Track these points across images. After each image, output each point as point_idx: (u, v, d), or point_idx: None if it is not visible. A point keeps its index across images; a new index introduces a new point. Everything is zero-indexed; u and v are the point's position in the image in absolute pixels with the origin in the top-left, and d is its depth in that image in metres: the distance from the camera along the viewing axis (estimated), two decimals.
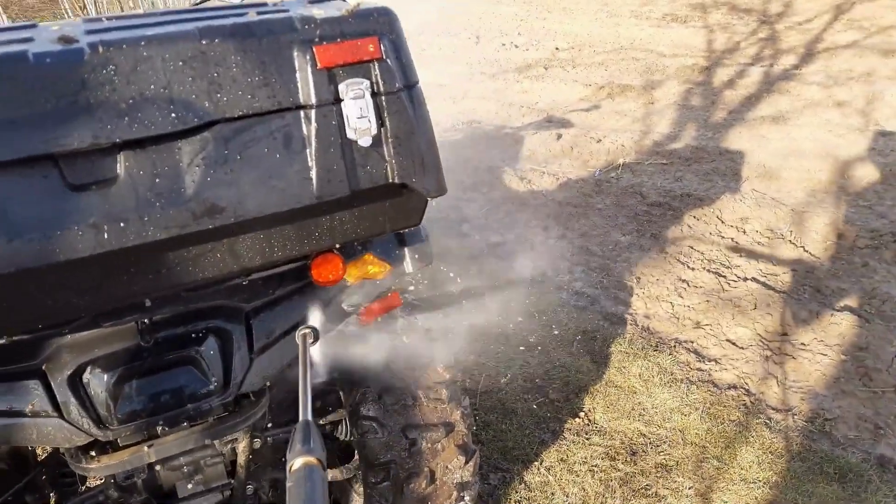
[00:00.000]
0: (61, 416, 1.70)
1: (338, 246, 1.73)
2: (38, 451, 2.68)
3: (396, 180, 1.50)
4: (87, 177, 1.30)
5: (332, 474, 2.63)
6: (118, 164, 1.31)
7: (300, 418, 1.33)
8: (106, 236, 1.30)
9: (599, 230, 5.36)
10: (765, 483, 3.03)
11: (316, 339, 1.72)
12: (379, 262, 2.04)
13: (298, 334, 1.70)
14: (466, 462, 2.45)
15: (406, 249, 2.09)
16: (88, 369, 1.72)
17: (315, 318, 1.91)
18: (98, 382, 1.72)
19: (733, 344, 4.01)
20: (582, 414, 3.49)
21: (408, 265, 2.09)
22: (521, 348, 4.03)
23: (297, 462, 1.19)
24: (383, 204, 1.61)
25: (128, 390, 1.74)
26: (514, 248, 5.22)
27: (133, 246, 1.34)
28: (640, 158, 6.63)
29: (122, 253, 1.35)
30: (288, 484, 1.17)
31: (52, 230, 1.28)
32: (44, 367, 1.69)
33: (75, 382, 1.71)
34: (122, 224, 1.32)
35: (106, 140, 1.28)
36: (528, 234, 5.39)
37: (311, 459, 1.19)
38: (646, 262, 4.89)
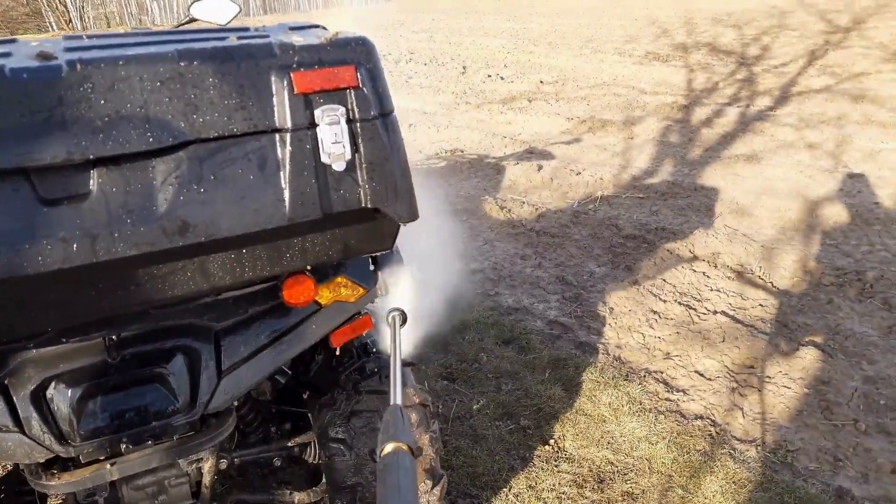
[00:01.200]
0: (22, 431, 1.68)
1: (309, 268, 1.76)
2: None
3: (369, 205, 1.54)
4: (59, 191, 1.32)
5: (299, 498, 2.62)
6: (91, 180, 1.34)
7: (391, 402, 1.33)
8: (76, 251, 1.32)
9: (575, 260, 5.43)
10: None
11: (404, 321, 1.69)
12: (352, 284, 2.07)
13: (388, 317, 1.68)
14: (433, 486, 2.45)
15: (380, 273, 2.12)
16: (52, 384, 1.71)
17: (403, 301, 1.88)
18: (62, 398, 1.71)
19: (701, 375, 4.07)
20: (552, 441, 3.51)
21: (382, 288, 2.12)
22: (493, 374, 4.06)
23: (387, 447, 1.18)
24: (356, 227, 1.64)
25: (92, 406, 1.74)
26: (491, 276, 5.27)
27: (103, 262, 1.36)
28: (618, 192, 6.75)
29: (92, 268, 1.37)
30: (378, 467, 1.17)
31: (21, 243, 1.29)
32: (6, 382, 1.69)
33: (38, 397, 1.70)
34: (92, 239, 1.34)
35: (80, 156, 1.31)
36: (505, 262, 5.45)
37: (402, 445, 1.18)
38: (619, 293, 4.97)
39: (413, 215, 1.62)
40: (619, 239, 5.81)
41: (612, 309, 4.78)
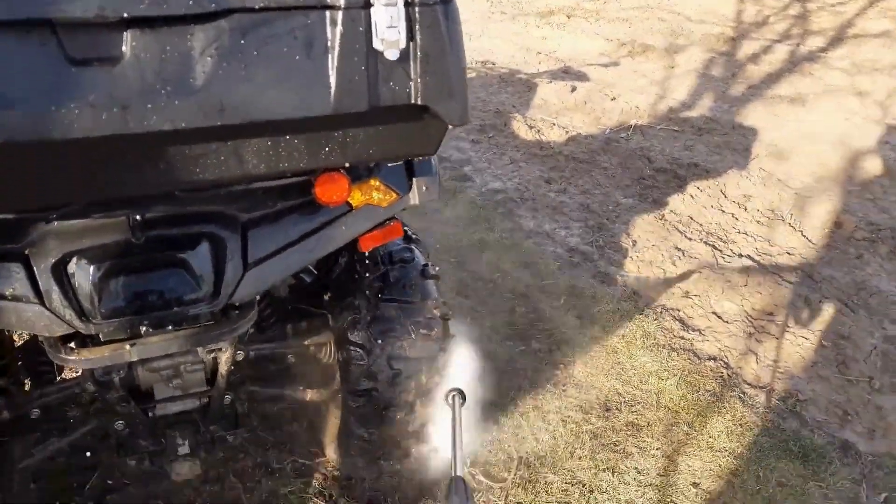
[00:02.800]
0: (43, 303, 1.65)
1: (347, 165, 1.66)
2: (15, 338, 2.66)
3: (420, 101, 1.43)
4: (89, 52, 1.21)
5: (311, 395, 2.63)
6: (124, 43, 1.23)
7: (453, 474, 1.43)
8: (105, 119, 1.23)
9: (602, 189, 5.30)
10: (730, 453, 3.08)
11: (464, 401, 1.78)
12: (385, 188, 1.98)
13: (448, 396, 1.78)
14: (451, 398, 2.45)
15: (414, 180, 2.02)
16: (74, 259, 1.66)
17: (461, 381, 1.96)
18: (83, 274, 1.66)
19: (719, 317, 4.02)
20: (561, 367, 3.51)
21: (414, 196, 2.03)
22: (509, 296, 4.02)
23: None
24: (401, 126, 1.54)
25: (114, 286, 1.69)
26: (514, 197, 5.16)
27: (133, 134, 1.27)
28: (653, 122, 6.52)
29: (121, 140, 1.28)
30: None
31: (46, 104, 1.20)
32: (27, 252, 1.64)
33: (60, 271, 1.66)
34: (123, 108, 1.24)
35: (113, 14, 1.19)
36: (529, 185, 5.33)
37: None
38: (644, 227, 4.86)
39: (464, 118, 1.51)
40: (650, 171, 5.65)
41: (635, 242, 4.69)
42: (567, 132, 6.19)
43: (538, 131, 6.20)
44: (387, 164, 1.98)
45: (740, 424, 3.26)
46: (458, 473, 1.39)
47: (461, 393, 1.78)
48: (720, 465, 3.02)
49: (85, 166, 1.36)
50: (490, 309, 3.90)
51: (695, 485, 2.91)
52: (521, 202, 5.06)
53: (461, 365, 2.39)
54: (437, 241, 4.48)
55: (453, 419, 1.65)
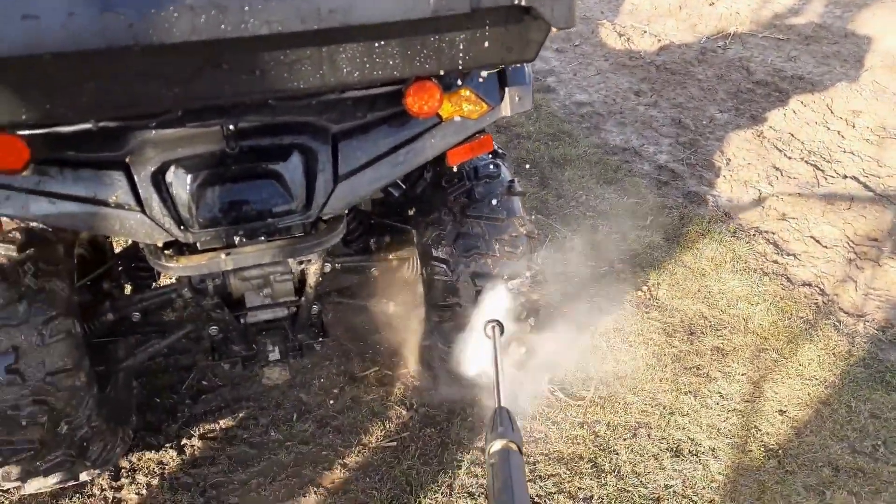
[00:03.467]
0: (144, 211, 1.69)
1: (442, 73, 1.58)
2: (115, 244, 2.78)
3: (523, 1, 1.32)
4: None
5: (394, 308, 2.66)
6: None
7: (496, 405, 1.41)
8: (203, 22, 1.20)
9: (695, 103, 4.99)
10: (821, 382, 2.97)
11: (502, 331, 1.76)
12: (476, 99, 1.89)
13: (487, 327, 1.75)
14: (528, 317, 2.43)
15: (507, 90, 1.92)
16: (172, 168, 1.68)
17: (500, 312, 1.94)
18: (181, 183, 1.69)
19: (817, 241, 3.80)
20: (645, 288, 3.42)
21: (506, 107, 1.94)
22: (591, 214, 3.91)
23: (496, 444, 1.28)
24: (501, 30, 1.44)
25: (210, 195, 1.71)
26: (600, 110, 4.93)
27: (230, 38, 1.23)
28: (754, 30, 6.02)
29: (218, 45, 1.25)
30: (489, 462, 1.26)
31: (145, 7, 1.17)
32: (128, 160, 1.67)
33: (158, 180, 1.69)
34: (221, 11, 1.20)
35: None
36: (617, 97, 5.07)
37: (511, 444, 1.27)
38: (740, 144, 4.58)
39: (570, 20, 1.39)
40: (748, 84, 5.26)
41: (730, 160, 4.42)
42: (659, 40, 5.80)
43: (628, 39, 5.83)
44: (478, 74, 1.89)
45: (833, 353, 3.12)
46: (502, 404, 1.41)
47: (500, 324, 1.76)
48: (809, 394, 2.91)
49: (183, 71, 1.34)
50: (572, 228, 3.80)
51: (781, 412, 2.83)
52: (608, 116, 4.83)
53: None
54: (518, 156, 4.37)
55: (494, 350, 1.65)
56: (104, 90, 1.32)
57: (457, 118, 1.89)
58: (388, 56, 1.45)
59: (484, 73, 1.84)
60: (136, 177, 1.66)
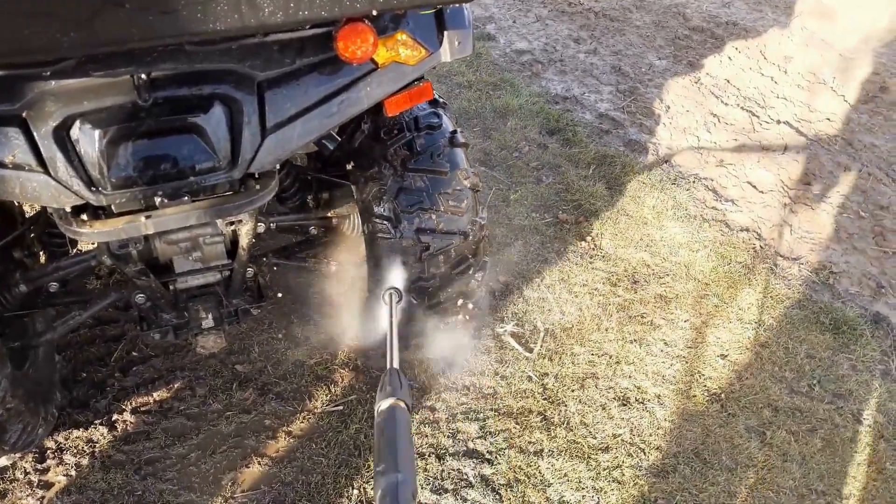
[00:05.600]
0: (47, 172, 1.51)
1: (375, 13, 1.45)
2: (26, 209, 2.55)
3: None
4: None
5: (335, 268, 2.54)
6: None
7: (387, 366, 1.45)
8: None
9: (634, 50, 4.94)
10: (760, 325, 3.04)
11: (400, 299, 1.83)
12: (413, 43, 1.76)
13: (385, 294, 1.80)
14: (476, 272, 2.36)
15: (445, 33, 1.80)
16: (77, 123, 1.51)
17: (399, 279, 1.99)
18: (87, 139, 1.51)
19: (753, 187, 3.86)
20: (589, 238, 3.40)
21: (445, 52, 1.82)
22: (535, 164, 3.85)
23: (384, 403, 1.32)
24: None
25: (123, 153, 1.55)
26: (541, 58, 4.83)
27: None
28: None
29: None
30: (376, 420, 1.30)
31: None
32: (24, 115, 1.48)
33: (62, 137, 1.51)
34: None
35: None
36: (557, 45, 4.97)
37: (399, 402, 1.31)
38: (678, 91, 4.57)
39: None
40: (685, 31, 5.25)
41: (669, 107, 4.42)
42: None
43: None
44: (415, 16, 1.76)
45: (771, 297, 3.19)
46: (395, 366, 1.46)
47: (398, 291, 1.85)
48: (749, 337, 2.98)
49: (80, 11, 1.17)
50: (515, 179, 3.74)
51: (723, 356, 2.88)
52: (549, 64, 4.74)
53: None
54: (459, 106, 4.24)
55: (390, 316, 1.70)
56: None
57: (393, 64, 1.76)
58: None
59: (422, 14, 1.71)
60: (35, 133, 1.47)
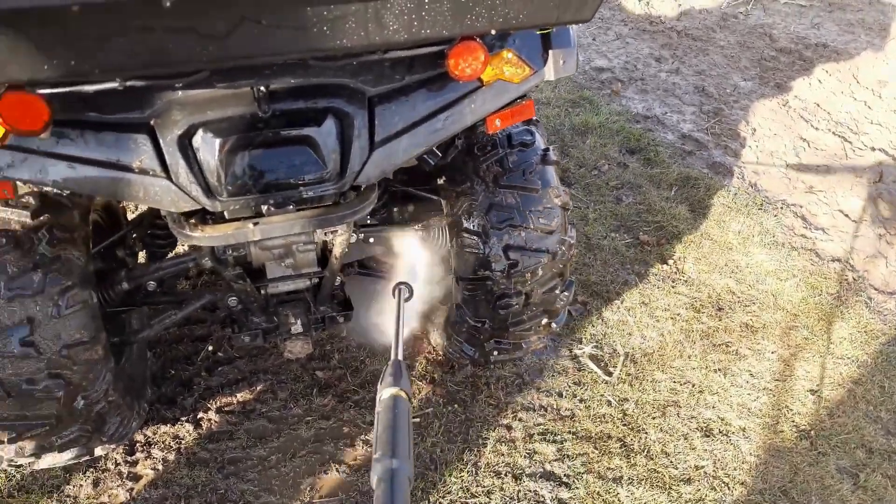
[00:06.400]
0: (170, 178, 1.58)
1: (494, 32, 1.46)
2: (127, 210, 2.67)
3: None
4: None
5: (421, 281, 2.56)
6: None
7: (392, 357, 1.46)
8: None
9: (718, 70, 4.83)
10: (853, 361, 2.90)
11: (410, 294, 1.82)
12: (518, 62, 1.76)
13: (395, 290, 1.78)
14: (562, 291, 2.34)
15: (550, 52, 1.79)
16: (200, 132, 1.57)
17: (410, 275, 1.99)
18: (209, 148, 1.57)
19: (846, 216, 3.70)
20: (671, 261, 3.33)
21: (549, 71, 1.81)
22: (615, 183, 3.80)
23: (386, 392, 1.33)
24: None
25: (240, 162, 1.60)
26: (621, 77, 4.77)
27: None
28: None
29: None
30: (377, 409, 1.31)
31: None
32: (153, 123, 1.55)
33: (185, 145, 1.57)
34: None
35: None
36: (638, 63, 4.91)
37: (400, 392, 1.33)
38: (765, 113, 4.44)
39: None
40: (772, 52, 5.10)
41: (755, 130, 4.29)
42: (679, 5, 5.61)
43: (647, 3, 5.64)
44: (522, 34, 1.76)
45: (865, 331, 3.04)
46: (399, 357, 1.47)
47: (408, 286, 1.82)
48: (841, 373, 2.85)
49: (219, 28, 1.21)
50: (594, 198, 3.69)
51: (812, 392, 2.76)
52: (629, 82, 4.68)
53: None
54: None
55: (398, 309, 1.71)
56: (133, 46, 1.19)
57: (498, 82, 1.77)
58: (438, 13, 1.32)
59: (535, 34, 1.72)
60: (161, 141, 1.54)
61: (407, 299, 1.81)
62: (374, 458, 1.22)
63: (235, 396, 2.60)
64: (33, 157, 1.47)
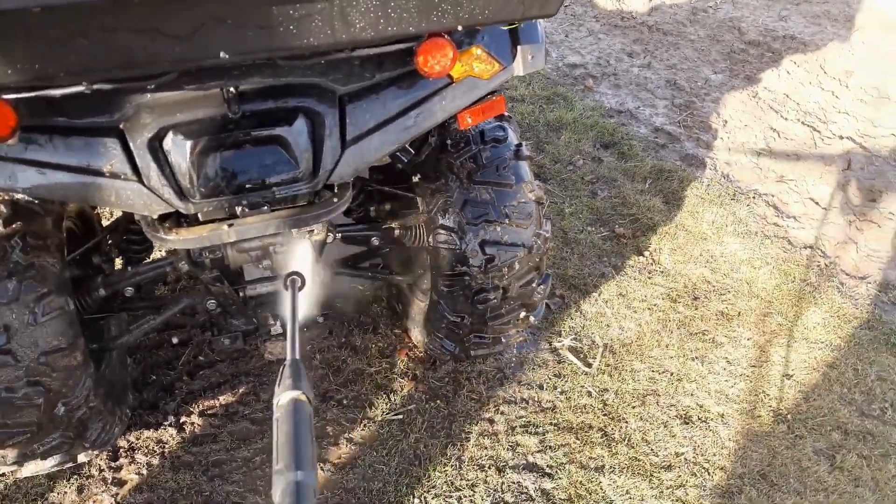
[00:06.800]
0: (141, 181, 1.58)
1: (460, 28, 1.48)
2: (102, 216, 2.66)
3: None
4: None
5: (399, 278, 2.58)
6: None
7: (288, 357, 1.38)
8: None
9: (689, 64, 4.90)
10: (827, 345, 2.96)
11: (303, 284, 1.72)
12: (488, 58, 1.79)
13: (287, 280, 1.70)
14: (539, 285, 2.37)
15: (519, 48, 1.82)
16: (170, 135, 1.57)
17: (302, 265, 1.86)
18: (180, 150, 1.58)
19: (816, 203, 3.77)
20: (647, 253, 3.37)
21: (518, 66, 1.84)
22: (590, 178, 3.84)
23: (284, 397, 1.26)
24: None
25: (212, 163, 1.61)
26: (593, 72, 4.82)
27: None
28: None
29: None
30: (276, 416, 1.23)
31: None
32: (122, 126, 1.55)
33: (156, 147, 1.58)
34: None
35: None
36: (610, 59, 4.96)
37: (300, 395, 1.26)
38: (735, 105, 4.51)
39: None
40: (741, 44, 5.18)
41: (726, 122, 4.36)
42: (650, 0, 5.68)
43: None
44: (490, 31, 1.79)
45: (837, 316, 3.11)
46: (296, 357, 1.39)
47: (301, 276, 1.72)
48: (815, 358, 2.91)
49: (185, 28, 1.22)
50: (570, 192, 3.73)
51: (788, 376, 2.82)
52: (602, 78, 4.73)
53: None
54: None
55: (292, 303, 1.61)
56: (97, 48, 1.20)
57: (468, 78, 1.79)
58: (405, 10, 1.34)
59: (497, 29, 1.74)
60: (131, 144, 1.54)
61: (299, 290, 1.69)
62: (274, 469, 1.14)
63: (218, 399, 2.60)
64: (1, 163, 1.47)
